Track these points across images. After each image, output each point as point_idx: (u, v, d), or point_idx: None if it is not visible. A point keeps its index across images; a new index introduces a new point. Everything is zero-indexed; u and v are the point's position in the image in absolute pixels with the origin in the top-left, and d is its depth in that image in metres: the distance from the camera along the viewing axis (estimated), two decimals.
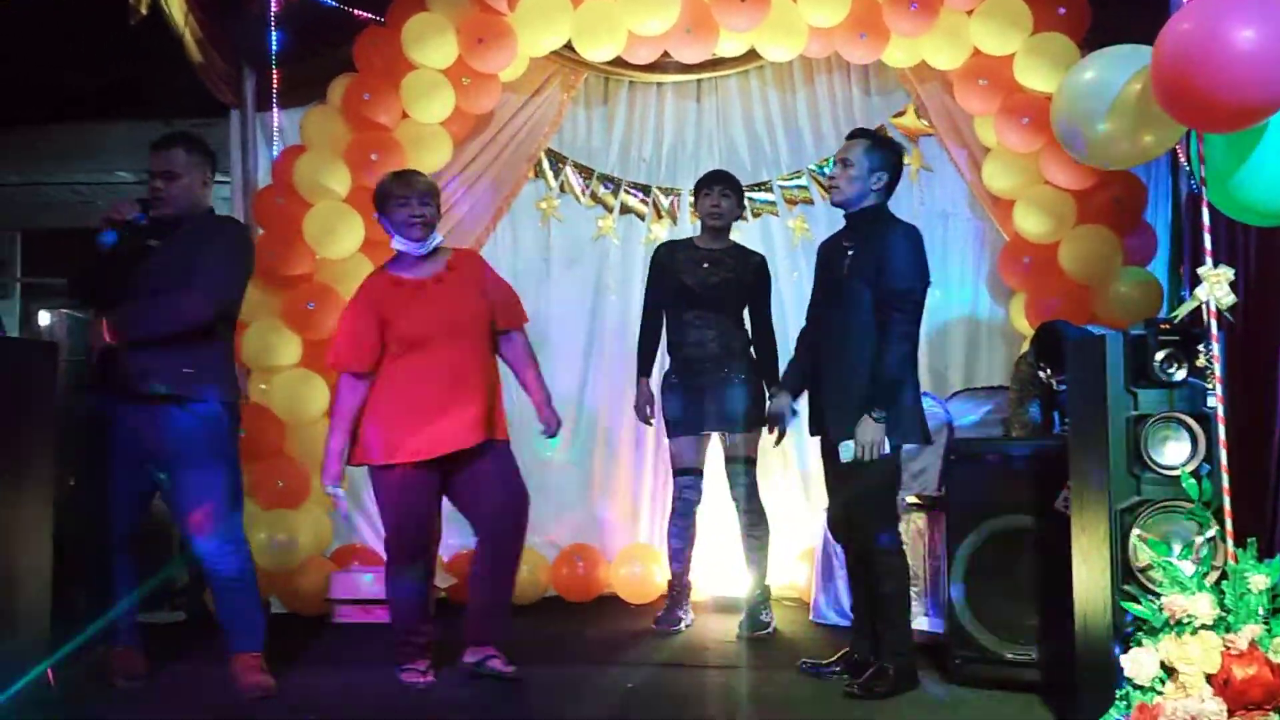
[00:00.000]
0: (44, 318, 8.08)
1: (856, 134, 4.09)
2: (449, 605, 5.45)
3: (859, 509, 3.86)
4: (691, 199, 5.06)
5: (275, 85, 5.57)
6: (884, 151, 3.97)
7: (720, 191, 4.79)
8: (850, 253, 3.91)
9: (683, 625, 4.80)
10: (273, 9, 5.47)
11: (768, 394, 4.61)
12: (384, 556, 4.03)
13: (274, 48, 5.51)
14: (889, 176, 3.95)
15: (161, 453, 3.74)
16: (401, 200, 3.89)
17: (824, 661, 4.08)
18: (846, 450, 3.75)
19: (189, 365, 3.72)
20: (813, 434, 4.07)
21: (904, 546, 3.92)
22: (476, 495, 3.94)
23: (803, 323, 4.21)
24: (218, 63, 5.52)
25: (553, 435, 4.14)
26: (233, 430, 3.87)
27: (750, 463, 4.73)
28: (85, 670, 3.79)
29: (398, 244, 3.94)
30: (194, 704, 3.73)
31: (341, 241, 5.28)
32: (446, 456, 3.85)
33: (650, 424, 4.99)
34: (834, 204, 4.06)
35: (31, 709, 3.24)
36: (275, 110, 5.63)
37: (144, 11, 4.45)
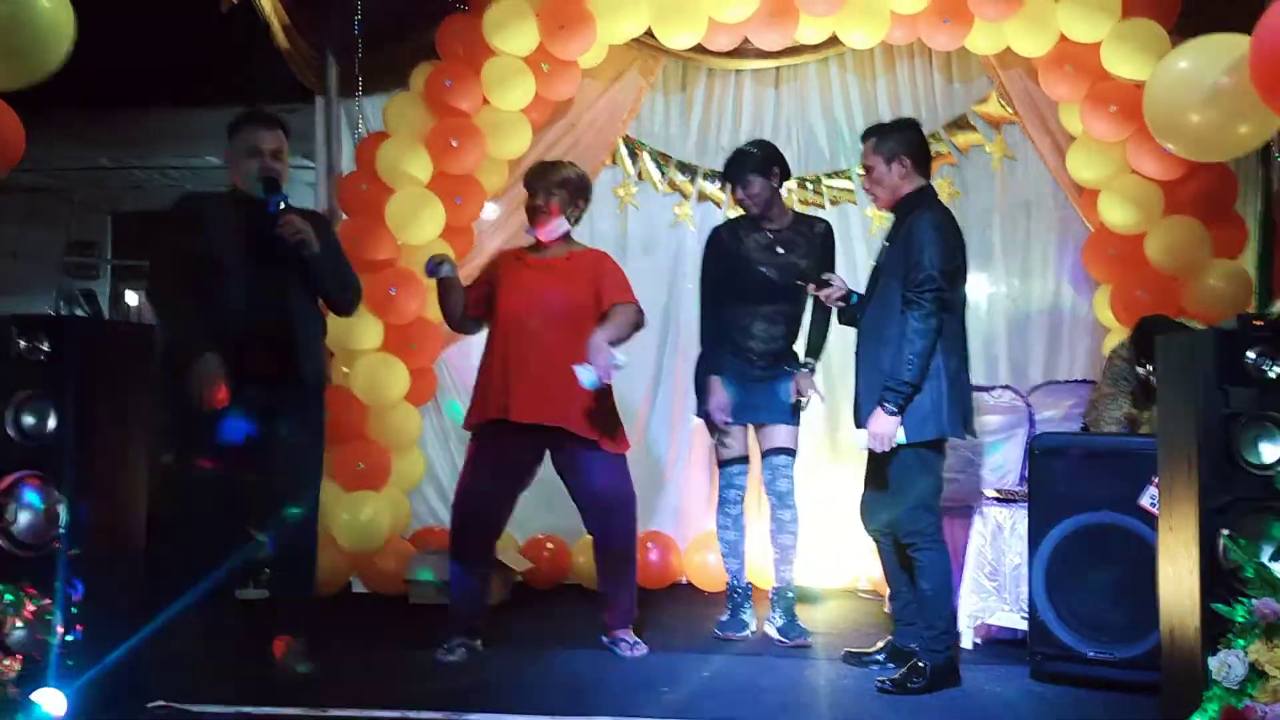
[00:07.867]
0: (132, 298, 8.32)
1: (864, 136, 3.95)
2: (526, 588, 5.53)
3: (896, 503, 3.76)
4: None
5: (359, 72, 5.64)
6: (894, 136, 3.85)
7: (735, 186, 4.43)
8: (886, 245, 3.83)
9: (748, 631, 4.48)
10: None
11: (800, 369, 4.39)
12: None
13: (358, 34, 5.57)
14: (911, 156, 3.82)
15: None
16: (530, 190, 4.20)
17: (867, 650, 4.06)
18: (862, 442, 3.74)
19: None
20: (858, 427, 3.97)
21: (944, 541, 3.78)
22: (588, 489, 4.13)
23: None
24: (303, 49, 5.58)
25: (590, 378, 3.85)
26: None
27: (792, 455, 4.43)
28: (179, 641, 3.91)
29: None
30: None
31: (423, 227, 5.33)
32: (552, 438, 4.04)
33: (725, 429, 4.42)
34: (884, 211, 3.95)
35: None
36: (359, 96, 5.70)
37: None
